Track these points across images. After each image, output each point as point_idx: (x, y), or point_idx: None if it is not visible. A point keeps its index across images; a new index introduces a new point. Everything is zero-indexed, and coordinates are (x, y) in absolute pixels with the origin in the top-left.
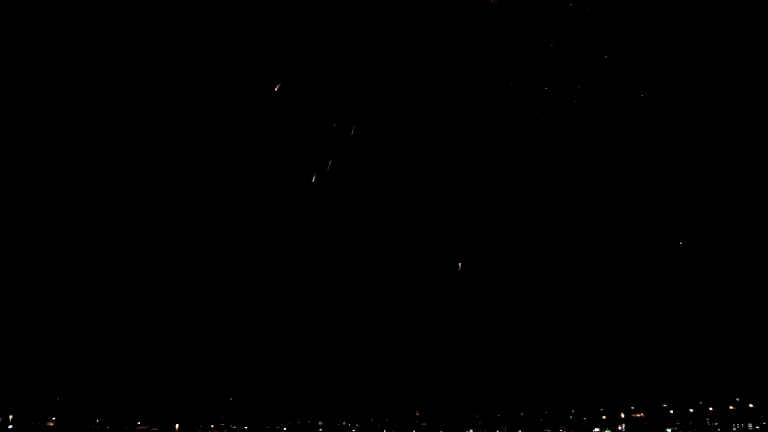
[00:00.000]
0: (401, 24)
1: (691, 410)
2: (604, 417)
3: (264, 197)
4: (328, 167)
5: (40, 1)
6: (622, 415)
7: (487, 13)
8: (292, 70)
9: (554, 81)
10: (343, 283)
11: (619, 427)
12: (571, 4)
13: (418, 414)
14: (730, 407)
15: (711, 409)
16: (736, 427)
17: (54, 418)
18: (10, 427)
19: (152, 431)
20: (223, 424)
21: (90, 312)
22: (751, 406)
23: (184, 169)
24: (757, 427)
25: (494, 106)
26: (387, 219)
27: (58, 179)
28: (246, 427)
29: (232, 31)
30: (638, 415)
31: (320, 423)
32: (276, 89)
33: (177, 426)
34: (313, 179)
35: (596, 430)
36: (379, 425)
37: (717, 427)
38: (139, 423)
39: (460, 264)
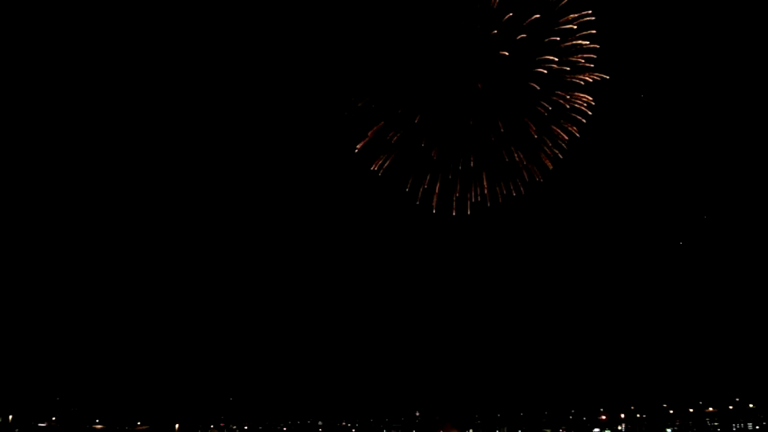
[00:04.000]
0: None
1: (691, 410)
2: (604, 417)
3: (264, 197)
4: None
5: (40, 2)
6: (622, 416)
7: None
8: (292, 70)
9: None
10: (344, 285)
11: (619, 427)
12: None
13: (418, 414)
14: (730, 407)
15: (711, 409)
16: (736, 427)
17: (54, 418)
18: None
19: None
20: (223, 424)
21: (90, 312)
22: (751, 406)
23: (184, 169)
24: (757, 427)
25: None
26: (388, 221)
27: (58, 179)
28: (246, 427)
29: (232, 31)
30: (638, 416)
31: (320, 423)
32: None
33: (177, 426)
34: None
35: (596, 430)
36: (379, 425)
37: (717, 427)
38: (139, 423)
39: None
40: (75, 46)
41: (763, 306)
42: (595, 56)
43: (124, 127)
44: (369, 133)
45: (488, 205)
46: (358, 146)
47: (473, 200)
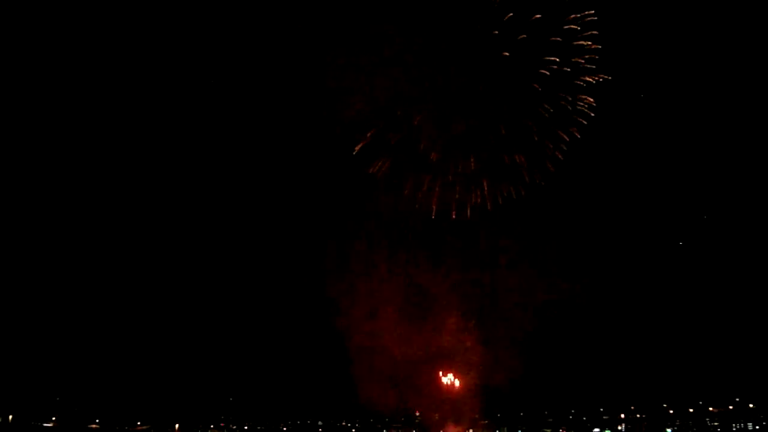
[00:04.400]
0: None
1: (691, 410)
2: (604, 417)
3: (262, 199)
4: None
5: (40, 2)
6: (622, 416)
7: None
8: (289, 71)
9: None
10: (343, 286)
11: (619, 427)
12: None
13: (418, 414)
14: (730, 407)
15: (711, 409)
16: (736, 427)
17: (54, 418)
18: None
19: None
20: (223, 424)
21: (90, 312)
22: (751, 406)
23: (185, 170)
24: (757, 427)
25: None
26: (389, 222)
27: (58, 179)
28: (246, 427)
29: (232, 31)
30: (638, 415)
31: (320, 423)
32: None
33: (177, 426)
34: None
35: (596, 430)
36: (379, 425)
37: (717, 427)
38: (139, 423)
39: None
40: (75, 46)
41: (763, 306)
42: (597, 57)
43: (121, 127)
44: (367, 135)
45: (489, 208)
46: (356, 148)
47: (473, 203)
